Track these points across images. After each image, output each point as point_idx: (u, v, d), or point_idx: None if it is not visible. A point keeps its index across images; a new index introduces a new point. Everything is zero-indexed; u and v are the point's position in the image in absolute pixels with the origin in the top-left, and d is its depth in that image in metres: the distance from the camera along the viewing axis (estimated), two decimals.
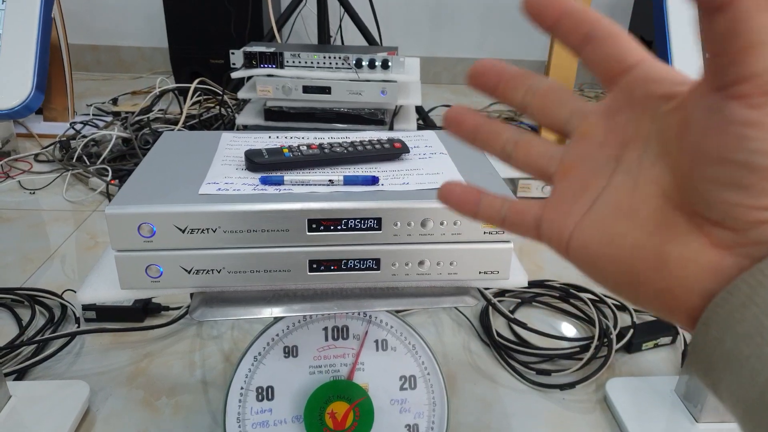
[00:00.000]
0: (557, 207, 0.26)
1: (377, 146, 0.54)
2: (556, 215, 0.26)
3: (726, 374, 0.20)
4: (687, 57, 0.52)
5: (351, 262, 0.48)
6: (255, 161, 0.50)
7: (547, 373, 0.77)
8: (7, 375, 0.73)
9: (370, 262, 0.48)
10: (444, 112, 0.29)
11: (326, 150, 0.52)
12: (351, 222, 0.46)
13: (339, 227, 0.46)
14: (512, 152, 0.27)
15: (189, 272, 0.46)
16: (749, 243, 0.20)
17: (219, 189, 0.47)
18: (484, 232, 0.48)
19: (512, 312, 0.89)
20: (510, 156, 0.27)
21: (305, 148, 0.52)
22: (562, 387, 0.75)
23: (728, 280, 0.21)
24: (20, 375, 0.75)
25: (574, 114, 0.26)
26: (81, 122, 1.55)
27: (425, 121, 1.63)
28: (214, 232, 0.45)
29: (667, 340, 0.84)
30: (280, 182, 0.48)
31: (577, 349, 0.80)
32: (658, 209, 0.23)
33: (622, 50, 0.24)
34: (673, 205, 0.22)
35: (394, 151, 0.54)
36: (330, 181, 0.48)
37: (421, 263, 0.48)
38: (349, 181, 0.48)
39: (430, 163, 0.54)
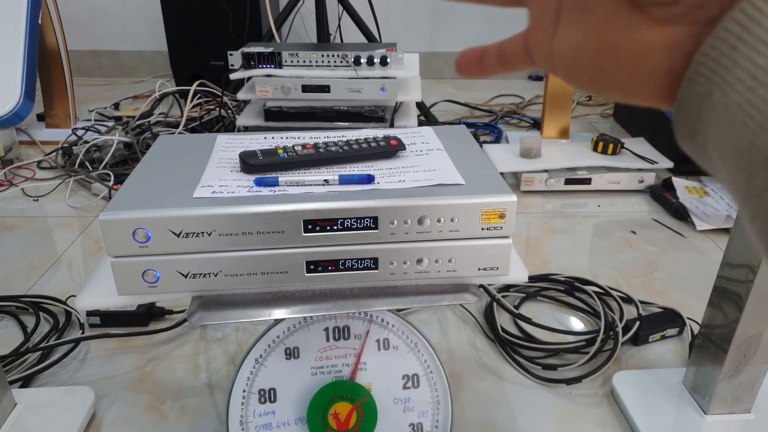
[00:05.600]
0: (535, 30, 0.27)
1: (373, 144, 0.53)
2: (536, 37, 0.27)
3: (714, 128, 0.19)
4: None
5: (348, 262, 0.47)
6: (249, 163, 0.49)
7: (553, 367, 0.76)
8: (12, 382, 0.73)
9: (367, 262, 0.47)
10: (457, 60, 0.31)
11: (321, 149, 0.52)
12: (347, 222, 0.46)
13: (335, 227, 0.46)
14: None
15: (186, 276, 0.46)
16: (689, 8, 0.20)
17: (213, 192, 0.46)
18: (482, 228, 0.47)
19: (517, 307, 0.89)
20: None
21: (300, 148, 0.52)
22: (568, 381, 0.75)
23: (684, 52, 0.21)
24: (26, 382, 0.75)
25: None
26: (83, 128, 1.56)
27: (427, 117, 1.62)
28: (210, 235, 0.44)
29: (674, 331, 0.83)
30: (274, 183, 0.47)
31: (583, 342, 0.79)
32: (605, 7, 0.23)
33: None
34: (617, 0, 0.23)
35: (390, 149, 0.53)
36: (325, 180, 0.48)
37: (419, 261, 0.48)
38: (344, 180, 0.48)
39: (426, 159, 0.53)
